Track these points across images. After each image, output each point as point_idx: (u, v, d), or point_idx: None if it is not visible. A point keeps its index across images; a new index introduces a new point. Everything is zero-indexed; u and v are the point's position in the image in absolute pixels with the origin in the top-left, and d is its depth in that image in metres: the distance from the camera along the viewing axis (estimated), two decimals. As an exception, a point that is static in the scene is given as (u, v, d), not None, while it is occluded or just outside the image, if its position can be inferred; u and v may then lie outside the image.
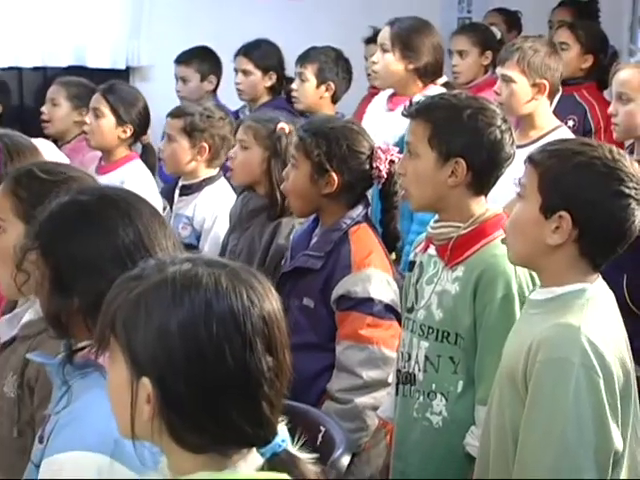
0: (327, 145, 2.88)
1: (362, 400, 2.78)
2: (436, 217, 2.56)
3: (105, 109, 4.13)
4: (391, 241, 2.97)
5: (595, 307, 2.04)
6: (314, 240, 2.96)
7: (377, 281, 2.82)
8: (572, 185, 2.02)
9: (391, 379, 2.71)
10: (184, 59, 5.10)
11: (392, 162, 2.87)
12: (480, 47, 4.88)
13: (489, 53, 4.86)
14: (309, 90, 4.60)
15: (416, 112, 2.54)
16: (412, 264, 2.64)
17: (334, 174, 2.86)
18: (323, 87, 4.61)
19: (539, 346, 1.97)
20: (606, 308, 2.09)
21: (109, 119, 4.14)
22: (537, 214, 2.04)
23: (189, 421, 1.37)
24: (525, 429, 1.99)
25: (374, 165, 2.90)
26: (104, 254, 1.75)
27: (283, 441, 1.40)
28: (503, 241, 2.19)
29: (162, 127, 4.12)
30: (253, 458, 1.40)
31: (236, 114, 4.78)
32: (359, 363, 2.79)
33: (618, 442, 1.97)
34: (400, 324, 2.72)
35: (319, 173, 2.88)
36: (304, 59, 4.66)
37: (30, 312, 2.16)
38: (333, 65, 4.65)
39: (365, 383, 2.79)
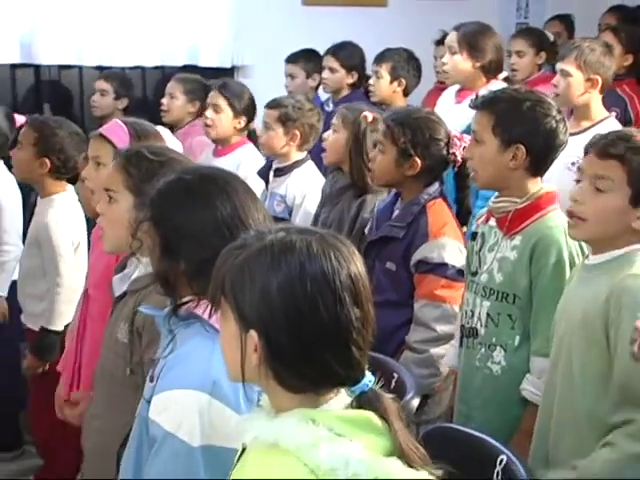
0: (412, 133, 2.89)
1: (436, 350, 2.80)
2: (497, 194, 2.55)
3: (223, 104, 4.14)
4: (464, 216, 2.97)
5: None
6: (396, 212, 2.96)
7: (450, 248, 2.82)
8: None
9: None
10: (293, 59, 5.04)
11: (465, 149, 2.84)
12: (535, 48, 4.80)
13: (543, 53, 4.81)
14: (383, 85, 4.58)
15: (481, 104, 2.53)
16: (474, 234, 2.63)
17: (417, 159, 2.87)
18: (396, 83, 4.58)
19: (621, 292, 2.00)
20: None
21: (227, 113, 4.14)
22: (626, 204, 2.04)
23: (290, 366, 1.38)
24: (621, 356, 1.98)
25: (451, 151, 2.91)
26: (206, 226, 1.75)
27: (370, 381, 1.41)
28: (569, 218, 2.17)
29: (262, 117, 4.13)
30: (343, 396, 1.41)
31: (322, 105, 4.75)
32: (434, 319, 2.80)
33: None
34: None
35: (404, 158, 2.89)
36: (380, 59, 4.64)
37: (138, 270, 2.20)
38: (405, 64, 4.62)
39: (439, 336, 2.80)
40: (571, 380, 2.09)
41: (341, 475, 1.32)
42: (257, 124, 4.30)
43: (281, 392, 1.40)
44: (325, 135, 3.50)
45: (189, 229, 1.76)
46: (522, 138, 2.44)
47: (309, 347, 1.36)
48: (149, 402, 1.74)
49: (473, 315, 2.55)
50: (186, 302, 1.77)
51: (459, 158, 2.91)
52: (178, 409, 1.67)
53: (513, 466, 1.79)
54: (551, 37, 5.04)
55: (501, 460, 1.82)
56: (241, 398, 1.67)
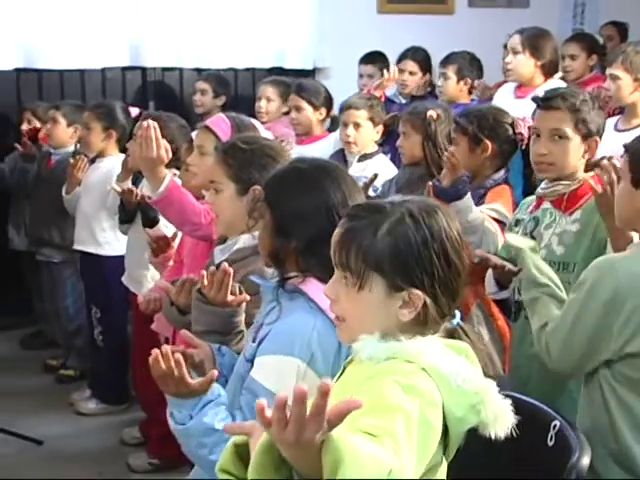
0: (477, 120, 2.90)
1: None
2: (545, 181, 2.52)
3: (303, 103, 4.14)
4: (531, 190, 2.92)
5: None
6: None
7: (499, 207, 2.82)
8: None
9: None
10: (369, 60, 4.96)
11: (529, 128, 2.82)
12: (587, 52, 4.69)
13: (594, 56, 4.70)
14: (451, 85, 4.52)
15: (561, 103, 2.48)
16: (517, 222, 2.60)
17: (487, 141, 2.86)
18: (462, 82, 4.52)
19: None
20: None
21: (308, 109, 4.14)
22: None
23: (441, 309, 1.42)
24: None
25: (517, 131, 2.90)
26: (318, 209, 1.75)
27: (461, 317, 1.46)
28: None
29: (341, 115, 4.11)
30: (443, 328, 1.45)
31: (390, 100, 4.69)
32: None
33: None
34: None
35: (475, 143, 2.89)
36: (446, 61, 4.57)
37: (238, 244, 2.23)
38: (469, 65, 4.56)
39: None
40: None
41: (452, 382, 1.34)
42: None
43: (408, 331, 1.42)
44: (398, 142, 3.44)
45: (302, 211, 1.75)
46: (596, 131, 2.45)
47: (446, 289, 1.41)
48: (248, 361, 1.76)
49: None
50: (291, 277, 1.77)
51: (525, 136, 2.88)
52: (280, 372, 1.68)
53: (566, 431, 1.75)
54: (601, 41, 4.93)
55: (554, 425, 1.78)
56: (329, 374, 1.66)
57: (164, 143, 2.59)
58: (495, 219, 2.78)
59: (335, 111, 4.36)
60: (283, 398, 1.04)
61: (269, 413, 1.05)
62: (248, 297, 1.96)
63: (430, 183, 2.89)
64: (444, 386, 1.34)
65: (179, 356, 1.65)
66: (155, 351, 1.65)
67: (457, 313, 1.46)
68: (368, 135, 3.71)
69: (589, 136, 2.44)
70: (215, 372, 1.68)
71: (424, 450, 1.30)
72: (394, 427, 1.20)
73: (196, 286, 2.02)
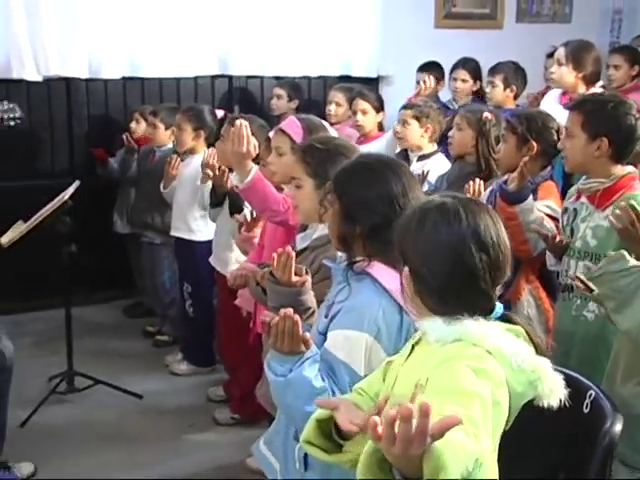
0: (527, 122, 2.86)
1: None
2: (584, 177, 2.51)
3: (368, 107, 4.14)
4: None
5: None
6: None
7: (551, 204, 2.80)
8: None
9: None
10: (426, 68, 4.91)
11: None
12: (630, 62, 4.55)
13: (636, 67, 4.55)
14: (498, 92, 4.46)
15: (573, 105, 2.49)
16: (565, 209, 2.59)
17: (534, 142, 2.82)
18: (508, 90, 4.45)
19: None
20: None
21: (372, 113, 4.15)
22: None
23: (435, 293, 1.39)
24: None
25: (561, 138, 2.82)
26: (380, 198, 1.75)
27: (501, 307, 1.41)
28: None
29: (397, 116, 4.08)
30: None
31: (445, 106, 4.65)
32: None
33: None
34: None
35: (523, 142, 2.85)
36: (494, 70, 4.51)
37: (317, 232, 2.25)
38: (514, 74, 4.48)
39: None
40: None
41: (513, 363, 1.32)
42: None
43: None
44: (450, 133, 3.42)
45: (367, 199, 1.75)
46: (606, 132, 2.38)
47: (471, 283, 1.36)
48: (321, 334, 1.77)
49: (567, 274, 2.49)
50: (358, 261, 1.77)
51: None
52: (351, 345, 1.69)
53: (600, 400, 1.73)
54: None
55: (590, 394, 1.76)
56: (392, 348, 1.68)
57: (253, 140, 2.62)
58: (548, 215, 2.75)
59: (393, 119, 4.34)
60: (393, 416, 1.02)
61: (380, 429, 1.03)
62: (309, 278, 1.97)
63: (469, 184, 2.89)
64: (506, 366, 1.33)
65: (298, 317, 1.65)
66: (282, 312, 1.65)
67: (499, 306, 1.41)
68: (414, 131, 3.67)
69: (597, 136, 2.40)
70: (309, 335, 1.69)
71: (496, 428, 1.30)
72: (473, 413, 1.19)
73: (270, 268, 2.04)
